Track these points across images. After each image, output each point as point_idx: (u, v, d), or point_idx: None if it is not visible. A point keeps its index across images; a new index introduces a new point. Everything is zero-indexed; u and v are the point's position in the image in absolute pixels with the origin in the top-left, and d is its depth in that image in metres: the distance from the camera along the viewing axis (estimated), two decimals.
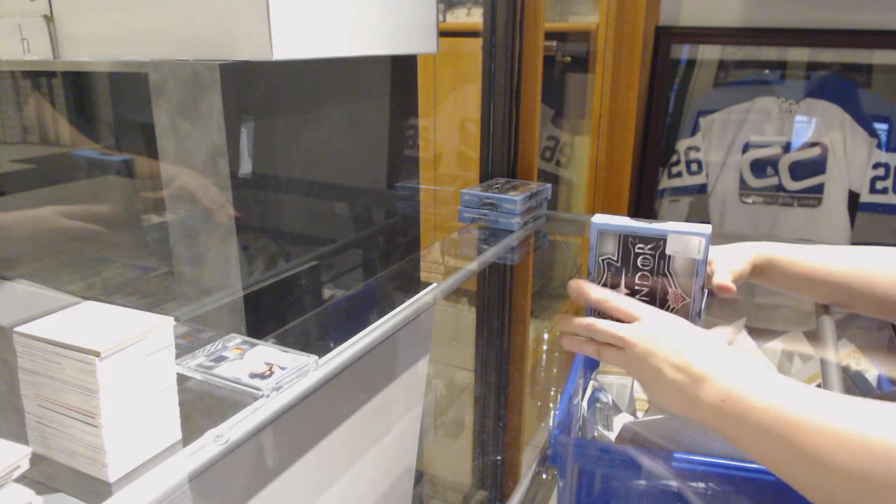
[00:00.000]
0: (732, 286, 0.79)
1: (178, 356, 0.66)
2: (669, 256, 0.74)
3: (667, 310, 0.77)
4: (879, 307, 0.81)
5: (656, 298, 0.76)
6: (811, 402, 0.55)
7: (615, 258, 0.77)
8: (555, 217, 1.44)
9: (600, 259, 0.77)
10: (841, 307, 0.89)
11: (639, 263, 0.76)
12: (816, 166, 1.68)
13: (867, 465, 0.50)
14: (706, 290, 0.77)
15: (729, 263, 0.82)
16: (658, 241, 0.74)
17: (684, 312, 0.75)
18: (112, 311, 0.61)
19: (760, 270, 0.85)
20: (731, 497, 0.76)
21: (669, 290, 0.76)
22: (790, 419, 0.54)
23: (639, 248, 0.75)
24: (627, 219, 0.77)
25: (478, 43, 1.41)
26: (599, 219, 0.77)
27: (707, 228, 0.73)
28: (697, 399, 0.61)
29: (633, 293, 0.78)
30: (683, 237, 0.73)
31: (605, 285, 0.78)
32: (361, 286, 1.17)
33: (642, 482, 0.81)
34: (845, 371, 1.05)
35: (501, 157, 1.44)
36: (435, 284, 1.00)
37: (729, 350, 0.65)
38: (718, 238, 0.78)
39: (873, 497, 0.49)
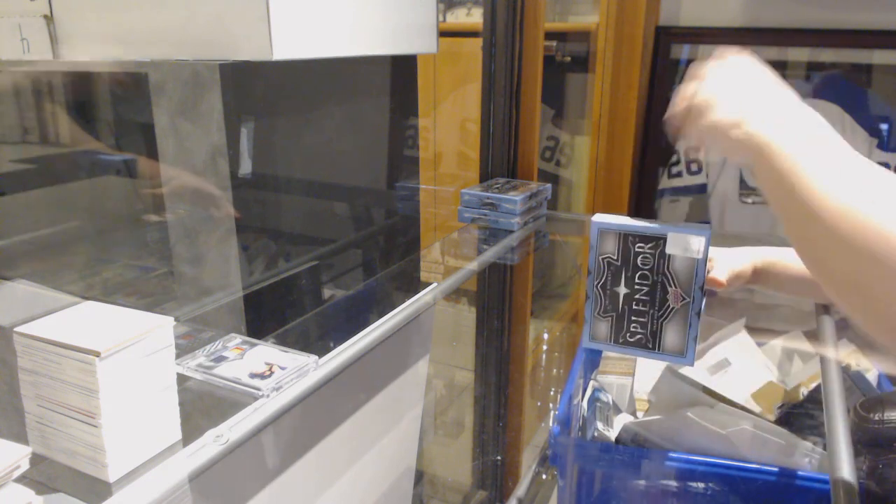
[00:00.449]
0: (723, 280, 0.78)
1: (178, 356, 0.66)
2: (669, 256, 0.74)
3: (666, 310, 0.76)
4: None
5: (656, 298, 0.76)
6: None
7: (615, 257, 0.77)
8: (555, 217, 1.44)
9: (600, 258, 0.77)
10: None
11: (639, 262, 0.76)
12: None
13: None
14: (706, 290, 0.77)
15: (729, 263, 0.82)
16: (658, 241, 0.74)
17: (684, 312, 0.75)
18: (112, 311, 0.61)
19: (761, 274, 0.84)
20: (730, 497, 0.76)
21: (669, 289, 0.76)
22: (859, 223, 0.47)
23: (639, 248, 0.75)
24: (628, 218, 0.77)
25: (478, 43, 1.41)
26: (600, 218, 0.77)
27: (707, 228, 0.73)
28: (757, 170, 0.57)
29: (632, 292, 0.78)
30: (683, 237, 0.73)
31: (604, 285, 0.78)
32: (361, 286, 1.17)
33: (642, 482, 0.81)
34: (845, 371, 1.05)
35: (501, 157, 1.44)
36: (435, 284, 1.00)
37: (802, 113, 0.58)
38: (718, 238, 0.78)
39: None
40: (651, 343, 0.78)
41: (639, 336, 0.79)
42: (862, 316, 0.50)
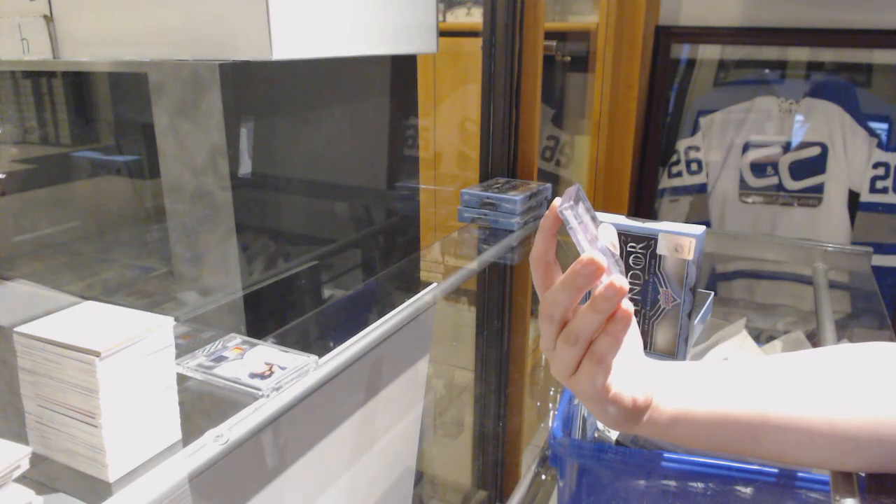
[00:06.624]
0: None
1: (178, 356, 0.66)
2: (660, 256, 0.74)
3: (657, 310, 0.76)
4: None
5: (647, 298, 0.76)
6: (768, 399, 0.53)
7: None
8: None
9: None
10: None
11: (630, 262, 0.76)
12: (816, 166, 1.68)
13: (837, 457, 0.53)
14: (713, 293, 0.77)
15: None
16: (649, 241, 0.74)
17: (674, 313, 0.75)
18: (112, 312, 0.61)
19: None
20: (730, 497, 0.76)
21: (660, 290, 0.75)
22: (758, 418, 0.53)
23: (630, 247, 0.75)
24: (623, 217, 0.77)
25: (478, 43, 1.41)
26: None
27: (699, 230, 0.72)
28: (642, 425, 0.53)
29: None
30: (674, 237, 0.73)
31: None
32: (361, 286, 1.17)
33: (642, 482, 0.81)
34: None
35: (501, 157, 1.44)
36: (435, 284, 1.00)
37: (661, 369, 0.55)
38: (720, 237, 0.77)
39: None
40: (642, 342, 0.78)
41: None
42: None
